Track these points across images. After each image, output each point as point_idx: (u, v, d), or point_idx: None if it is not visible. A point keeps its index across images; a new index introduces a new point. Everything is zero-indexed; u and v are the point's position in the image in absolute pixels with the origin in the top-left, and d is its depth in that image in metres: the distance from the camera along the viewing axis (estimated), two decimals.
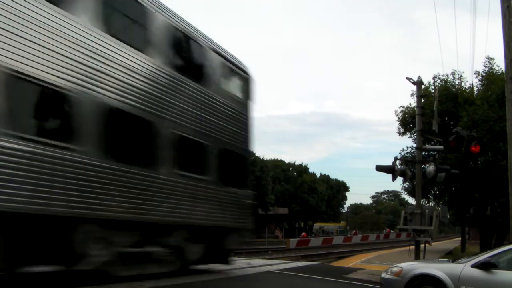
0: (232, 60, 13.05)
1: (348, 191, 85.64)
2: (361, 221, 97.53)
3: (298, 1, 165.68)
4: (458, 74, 26.79)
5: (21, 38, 7.20)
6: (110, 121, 8.65)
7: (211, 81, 12.01)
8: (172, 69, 10.65)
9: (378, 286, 9.52)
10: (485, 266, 7.68)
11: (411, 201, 29.57)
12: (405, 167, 20.31)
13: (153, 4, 10.32)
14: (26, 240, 7.40)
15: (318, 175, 76.16)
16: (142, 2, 9.98)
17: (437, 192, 30.08)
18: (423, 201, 24.55)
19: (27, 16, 7.39)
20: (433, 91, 22.55)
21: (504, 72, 12.04)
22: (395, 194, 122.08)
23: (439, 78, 26.19)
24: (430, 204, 32.27)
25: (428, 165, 15.55)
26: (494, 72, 24.39)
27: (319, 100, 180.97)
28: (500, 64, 23.55)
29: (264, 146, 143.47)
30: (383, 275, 9.06)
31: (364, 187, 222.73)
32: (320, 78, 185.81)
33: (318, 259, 18.42)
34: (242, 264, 14.53)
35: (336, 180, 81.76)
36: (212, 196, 11.42)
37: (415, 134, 17.88)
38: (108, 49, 8.95)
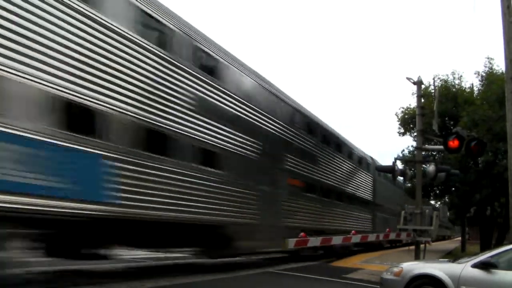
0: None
1: None
2: None
3: (292, 1, 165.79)
4: (458, 74, 26.90)
5: None
6: None
7: None
8: None
9: (378, 286, 9.50)
10: (485, 266, 7.67)
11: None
12: (405, 167, 20.39)
13: None
14: None
15: None
16: None
17: (437, 192, 30.22)
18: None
19: None
20: (433, 91, 22.60)
21: (504, 72, 12.04)
22: None
23: (439, 78, 26.29)
24: (434, 203, 32.46)
25: (428, 165, 15.58)
26: (494, 72, 24.42)
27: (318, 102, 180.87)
28: (500, 64, 23.61)
29: None
30: (383, 275, 9.05)
31: None
32: (317, 78, 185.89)
33: (318, 259, 18.31)
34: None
35: None
36: None
37: (415, 134, 17.89)
38: None
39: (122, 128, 9.14)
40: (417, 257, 14.61)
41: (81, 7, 8.46)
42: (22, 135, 7.25)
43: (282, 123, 15.91)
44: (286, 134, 16.32)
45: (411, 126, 27.05)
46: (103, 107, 8.71)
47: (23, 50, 7.41)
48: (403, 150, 29.94)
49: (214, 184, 11.74)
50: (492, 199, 25.78)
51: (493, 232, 28.13)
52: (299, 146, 17.28)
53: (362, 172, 25.22)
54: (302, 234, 14.20)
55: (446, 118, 25.09)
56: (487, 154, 20.98)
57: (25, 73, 7.40)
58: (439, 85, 25.08)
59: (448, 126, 24.42)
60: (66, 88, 8.01)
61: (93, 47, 8.65)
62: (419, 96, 15.97)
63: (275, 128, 15.49)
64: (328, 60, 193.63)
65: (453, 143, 12.66)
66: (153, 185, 9.72)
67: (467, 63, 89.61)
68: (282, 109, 16.22)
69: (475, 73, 26.32)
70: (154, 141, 10.01)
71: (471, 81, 43.00)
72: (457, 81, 26.82)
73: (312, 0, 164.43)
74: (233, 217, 12.42)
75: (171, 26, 10.86)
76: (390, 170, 16.11)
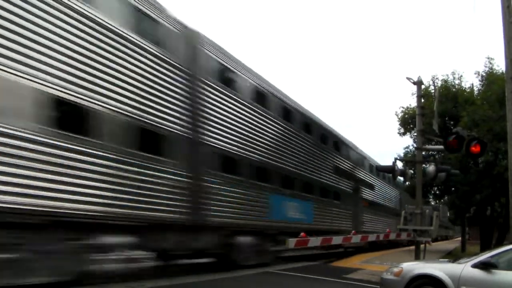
0: None
1: None
2: None
3: (292, 1, 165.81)
4: (458, 74, 26.88)
5: None
6: None
7: None
8: None
9: (378, 286, 9.49)
10: (485, 266, 7.65)
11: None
12: (405, 167, 20.42)
13: None
14: None
15: None
16: None
17: (437, 192, 30.26)
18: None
19: None
20: (433, 91, 22.57)
21: (504, 72, 12.03)
22: None
23: (438, 79, 26.28)
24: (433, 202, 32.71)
25: (428, 165, 15.56)
26: (494, 72, 24.39)
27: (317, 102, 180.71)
28: (500, 64, 23.59)
29: None
30: (383, 275, 9.04)
31: None
32: (318, 78, 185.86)
33: (318, 259, 18.35)
34: None
35: None
36: None
37: (416, 134, 17.88)
38: None
39: (319, 188, 19.34)
40: (417, 257, 14.60)
41: None
42: (299, 201, 17.21)
43: (359, 168, 25.54)
44: (361, 174, 25.90)
45: (411, 126, 27.05)
46: (313, 179, 18.93)
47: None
48: (408, 147, 30.23)
49: (339, 210, 21.64)
50: (493, 199, 25.76)
51: (493, 232, 28.10)
52: (366, 180, 26.63)
53: (394, 189, 33.84)
54: (302, 234, 14.21)
55: (446, 118, 25.07)
56: (488, 154, 20.95)
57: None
58: (439, 85, 25.08)
59: (448, 126, 24.39)
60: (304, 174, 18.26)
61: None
62: (419, 96, 15.94)
63: (357, 171, 25.01)
64: (329, 60, 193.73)
65: (453, 143, 12.64)
66: (324, 213, 19.63)
67: (467, 63, 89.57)
68: (358, 158, 25.79)
69: (475, 73, 26.34)
70: (325, 192, 20.04)
71: (471, 81, 43.06)
72: (457, 81, 26.82)
73: (313, 0, 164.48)
74: (343, 226, 21.49)
75: (324, 126, 21.15)
76: (390, 170, 16.10)
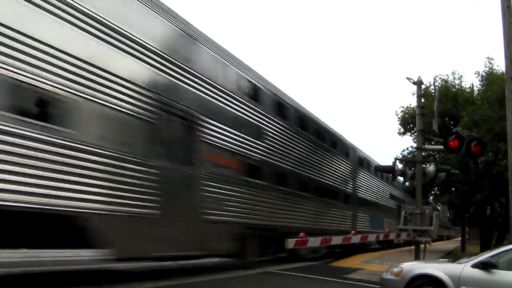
0: None
1: None
2: None
3: (292, 0, 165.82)
4: (458, 74, 26.89)
5: None
6: None
7: None
8: None
9: (378, 286, 9.50)
10: (485, 266, 7.66)
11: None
12: (405, 167, 20.40)
13: None
14: None
15: None
16: None
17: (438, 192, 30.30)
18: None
19: None
20: (433, 91, 22.57)
21: (504, 72, 12.03)
22: None
23: (440, 78, 26.29)
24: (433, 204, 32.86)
25: (428, 165, 15.56)
26: (494, 72, 24.39)
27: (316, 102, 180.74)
28: (500, 64, 23.58)
29: None
30: (383, 275, 9.04)
31: None
32: (317, 78, 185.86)
33: (317, 259, 18.36)
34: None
35: None
36: None
37: (416, 134, 17.89)
38: None
39: (384, 209, 30.81)
40: (417, 257, 14.60)
41: None
42: (379, 218, 29.53)
43: (400, 191, 34.02)
44: (402, 196, 33.78)
45: (411, 126, 27.06)
46: (382, 204, 30.53)
47: None
48: (406, 149, 30.31)
49: (391, 221, 30.07)
50: (492, 199, 25.77)
51: (493, 232, 28.12)
52: (404, 200, 32.80)
53: (410, 198, 42.43)
54: (301, 234, 14.21)
55: (446, 118, 25.07)
56: (487, 154, 20.95)
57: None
58: (439, 85, 25.08)
59: (448, 126, 24.40)
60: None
61: None
62: (419, 96, 15.94)
63: (390, 188, 32.29)
64: (328, 59, 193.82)
65: (453, 143, 12.64)
66: (385, 223, 30.26)
67: (467, 63, 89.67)
68: (400, 185, 33.20)
69: (475, 73, 26.33)
70: (388, 210, 31.62)
71: (471, 81, 43.07)
72: (457, 81, 26.83)
73: (313, 0, 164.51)
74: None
75: None
76: (390, 170, 16.10)
